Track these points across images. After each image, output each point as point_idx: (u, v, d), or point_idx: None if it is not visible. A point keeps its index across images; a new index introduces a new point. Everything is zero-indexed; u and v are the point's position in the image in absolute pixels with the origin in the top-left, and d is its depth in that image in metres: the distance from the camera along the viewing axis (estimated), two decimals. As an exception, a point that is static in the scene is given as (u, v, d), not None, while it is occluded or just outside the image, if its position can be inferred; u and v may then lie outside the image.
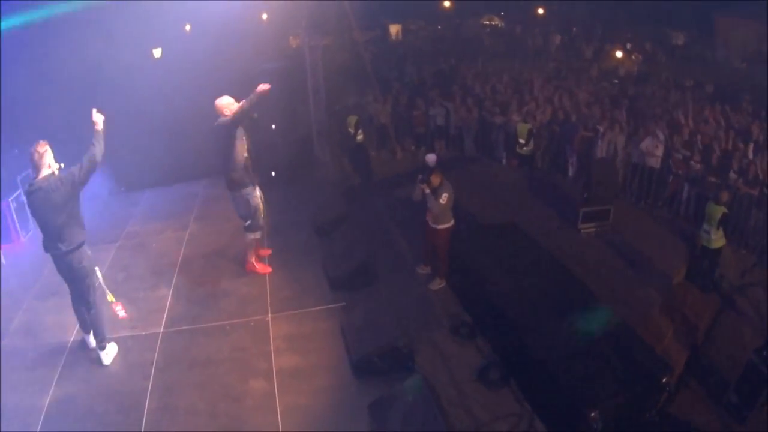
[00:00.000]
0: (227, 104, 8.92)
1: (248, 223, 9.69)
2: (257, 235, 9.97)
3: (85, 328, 8.16)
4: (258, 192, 9.61)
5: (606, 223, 12.63)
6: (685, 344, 9.25)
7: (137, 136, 13.51)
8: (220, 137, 9.04)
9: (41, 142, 7.20)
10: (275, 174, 14.22)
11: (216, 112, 8.98)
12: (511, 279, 9.36)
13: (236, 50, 15.57)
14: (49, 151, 7.21)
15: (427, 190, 9.80)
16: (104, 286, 8.10)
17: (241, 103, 8.67)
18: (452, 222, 10.07)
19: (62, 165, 7.30)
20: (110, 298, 8.22)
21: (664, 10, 26.14)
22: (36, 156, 7.09)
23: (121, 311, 8.42)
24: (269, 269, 10.19)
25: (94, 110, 7.45)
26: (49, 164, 7.17)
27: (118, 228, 12.20)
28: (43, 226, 7.30)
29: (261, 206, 9.69)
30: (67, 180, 7.13)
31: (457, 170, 15.96)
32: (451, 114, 17.73)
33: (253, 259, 10.11)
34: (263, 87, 8.47)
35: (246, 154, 9.20)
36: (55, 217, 7.15)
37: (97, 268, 7.93)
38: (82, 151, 7.33)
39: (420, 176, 10.00)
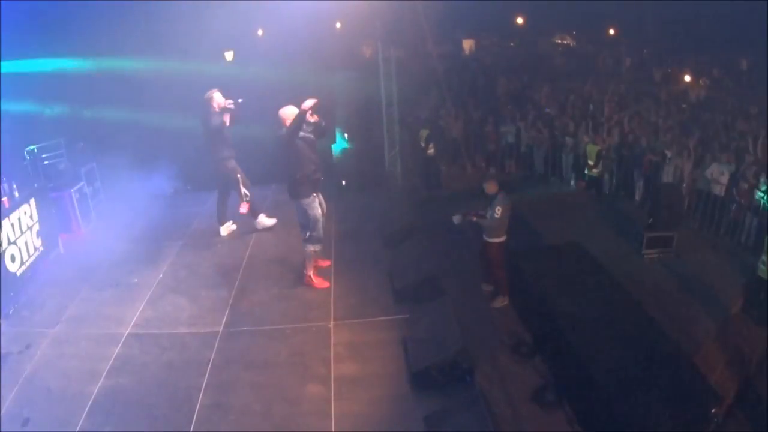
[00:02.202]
0: (290, 114, 8.82)
1: (307, 234, 9.40)
2: (317, 247, 9.64)
3: (222, 218, 11.67)
4: (318, 203, 9.34)
5: (669, 249, 12.29)
6: (737, 376, 8.84)
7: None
8: (282, 147, 8.92)
9: (212, 89, 10.59)
10: (346, 183, 14.02)
11: (280, 122, 8.90)
12: (572, 301, 9.15)
13: (309, 57, 15.48)
14: (214, 96, 10.54)
15: (474, 219, 9.79)
16: (242, 189, 10.93)
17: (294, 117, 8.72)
18: (503, 237, 9.82)
19: (240, 100, 10.58)
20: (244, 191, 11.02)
21: (730, 35, 25.41)
22: (206, 100, 10.56)
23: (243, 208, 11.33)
24: (327, 284, 9.81)
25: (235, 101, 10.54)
26: (214, 105, 10.54)
27: (183, 226, 12.19)
28: (206, 141, 10.83)
29: (321, 219, 9.41)
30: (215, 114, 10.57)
31: (526, 189, 15.93)
32: (522, 132, 17.33)
33: (311, 272, 9.78)
34: (308, 103, 8.60)
35: (311, 165, 9.00)
36: (210, 136, 10.71)
37: (239, 176, 10.93)
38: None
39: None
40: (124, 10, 13.05)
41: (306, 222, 9.30)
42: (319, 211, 9.33)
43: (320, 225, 9.39)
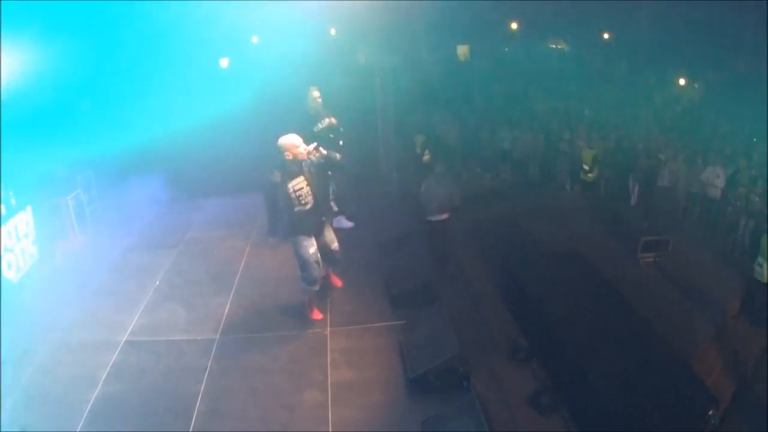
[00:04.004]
0: (290, 146, 7.89)
1: (299, 274, 8.61)
2: (311, 288, 8.71)
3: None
4: (311, 242, 8.41)
5: (665, 252, 12.26)
6: (734, 378, 8.87)
7: (204, 144, 13.54)
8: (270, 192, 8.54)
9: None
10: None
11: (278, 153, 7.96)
12: (569, 305, 9.06)
13: (304, 64, 15.54)
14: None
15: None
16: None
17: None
18: (443, 216, 10.64)
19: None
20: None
21: (726, 37, 25.54)
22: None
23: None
24: (320, 316, 9.11)
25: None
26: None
27: (179, 233, 12.17)
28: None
29: (313, 261, 8.40)
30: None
31: (521, 195, 15.95)
32: (517, 138, 17.31)
33: (311, 304, 9.07)
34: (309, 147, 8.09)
35: (305, 203, 8.17)
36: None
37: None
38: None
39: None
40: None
41: (298, 261, 8.52)
42: (312, 250, 8.36)
43: (311, 267, 8.40)
